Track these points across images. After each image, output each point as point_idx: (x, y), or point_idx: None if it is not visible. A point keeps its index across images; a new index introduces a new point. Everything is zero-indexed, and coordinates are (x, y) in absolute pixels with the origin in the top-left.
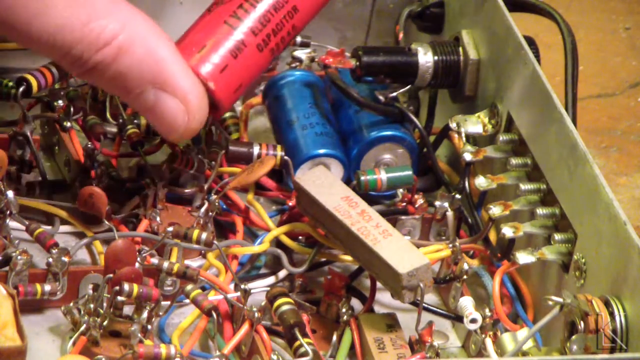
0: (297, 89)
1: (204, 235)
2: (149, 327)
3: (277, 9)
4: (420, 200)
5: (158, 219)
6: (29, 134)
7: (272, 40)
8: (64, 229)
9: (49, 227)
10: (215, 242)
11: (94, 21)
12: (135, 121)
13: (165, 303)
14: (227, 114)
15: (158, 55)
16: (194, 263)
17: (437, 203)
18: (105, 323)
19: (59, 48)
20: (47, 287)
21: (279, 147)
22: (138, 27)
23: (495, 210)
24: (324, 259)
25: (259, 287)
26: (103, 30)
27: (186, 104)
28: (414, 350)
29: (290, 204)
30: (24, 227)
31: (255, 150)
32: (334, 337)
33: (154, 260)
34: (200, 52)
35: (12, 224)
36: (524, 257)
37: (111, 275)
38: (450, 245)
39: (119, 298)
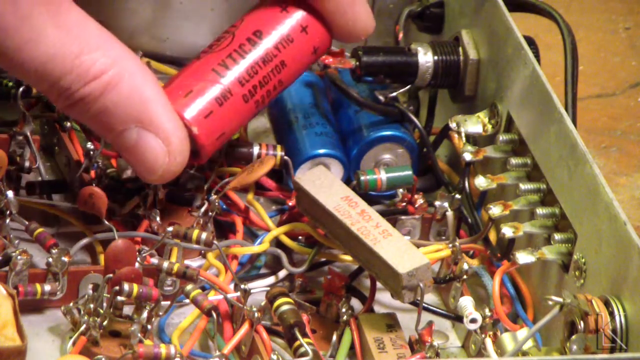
0: (297, 89)
1: (204, 235)
2: (149, 327)
3: (266, 62)
4: (420, 200)
5: (158, 219)
6: (29, 134)
7: (258, 92)
8: (64, 229)
9: (49, 227)
10: (215, 242)
11: (86, 54)
12: None
13: (165, 303)
14: None
15: (144, 94)
16: (194, 263)
17: (437, 203)
18: (105, 323)
19: (47, 78)
20: (47, 287)
21: (279, 147)
22: (127, 64)
23: (495, 210)
24: (324, 259)
25: (259, 287)
26: (93, 63)
27: (168, 145)
28: (414, 350)
29: (290, 204)
30: (24, 227)
31: (255, 150)
32: (334, 337)
33: (154, 260)
34: (186, 97)
35: (12, 224)
36: (524, 257)
37: (111, 275)
38: (450, 245)
39: (119, 298)
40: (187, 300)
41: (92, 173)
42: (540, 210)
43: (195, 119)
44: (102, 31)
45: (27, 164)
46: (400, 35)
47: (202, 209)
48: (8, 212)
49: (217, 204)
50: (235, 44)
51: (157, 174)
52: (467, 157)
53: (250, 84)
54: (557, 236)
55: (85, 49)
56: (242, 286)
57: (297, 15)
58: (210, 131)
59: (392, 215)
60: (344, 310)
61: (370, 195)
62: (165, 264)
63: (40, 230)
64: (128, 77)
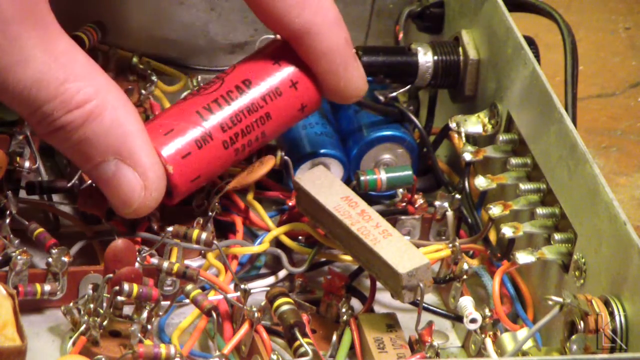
0: None
1: (204, 235)
2: (149, 327)
3: (251, 112)
4: (420, 200)
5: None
6: (29, 134)
7: (239, 141)
8: (64, 229)
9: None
10: (215, 242)
11: (71, 82)
12: None
13: (165, 303)
14: None
15: (125, 127)
16: (194, 263)
17: (437, 203)
18: (105, 323)
19: (32, 102)
20: (47, 287)
21: (278, 147)
22: (111, 96)
23: (495, 210)
24: (324, 259)
25: (259, 287)
26: (77, 92)
27: (145, 180)
28: (414, 350)
29: (290, 204)
30: (24, 227)
31: None
32: (334, 337)
33: (154, 260)
34: (166, 135)
35: (12, 224)
36: (524, 257)
37: (111, 275)
38: (450, 245)
39: (119, 298)
40: (187, 300)
41: None
42: (540, 210)
43: (171, 158)
44: (89, 61)
45: (27, 164)
46: (400, 35)
47: (202, 209)
48: (8, 212)
49: (217, 204)
50: (223, 90)
51: (132, 207)
52: (467, 157)
53: (232, 131)
54: (557, 236)
55: (71, 76)
56: (242, 286)
57: (289, 70)
58: (185, 172)
59: (392, 215)
60: (344, 310)
61: (370, 195)
62: (165, 264)
63: (40, 230)
64: (111, 108)
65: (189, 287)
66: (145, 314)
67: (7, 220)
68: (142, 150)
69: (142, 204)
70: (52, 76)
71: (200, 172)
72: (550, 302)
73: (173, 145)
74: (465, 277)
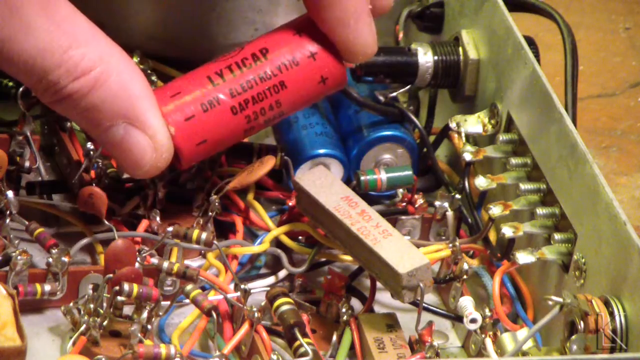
0: None
1: (204, 235)
2: (149, 327)
3: (263, 80)
4: (420, 200)
5: (158, 219)
6: (29, 134)
7: (250, 108)
8: (64, 229)
9: (49, 227)
10: (215, 242)
11: (74, 49)
12: None
13: (165, 303)
14: None
15: (132, 90)
16: (194, 263)
17: (437, 203)
18: (105, 323)
19: (37, 71)
20: (47, 287)
21: (278, 147)
22: (116, 60)
23: (495, 210)
24: (324, 259)
25: (259, 287)
26: (82, 58)
27: (155, 142)
28: (414, 350)
29: (290, 204)
30: (24, 227)
31: (256, 150)
32: (334, 337)
33: (154, 260)
34: (172, 97)
35: (12, 224)
36: (524, 257)
37: (111, 275)
38: (450, 245)
39: (119, 298)
40: (187, 300)
41: (92, 173)
42: (540, 210)
43: (174, 120)
44: (91, 26)
45: (27, 164)
46: (400, 35)
47: (202, 209)
48: (8, 212)
49: (217, 204)
50: (238, 57)
51: (143, 169)
52: (467, 157)
53: (241, 97)
54: (557, 236)
55: (74, 43)
56: (242, 286)
57: (307, 40)
58: (189, 135)
59: (392, 215)
60: (344, 310)
61: (370, 195)
62: (165, 264)
63: (40, 230)
64: (116, 73)
65: (189, 287)
66: (145, 314)
67: (7, 220)
68: (149, 112)
69: (153, 165)
70: (56, 44)
71: (206, 136)
72: (550, 302)
73: (177, 106)
74: (465, 277)
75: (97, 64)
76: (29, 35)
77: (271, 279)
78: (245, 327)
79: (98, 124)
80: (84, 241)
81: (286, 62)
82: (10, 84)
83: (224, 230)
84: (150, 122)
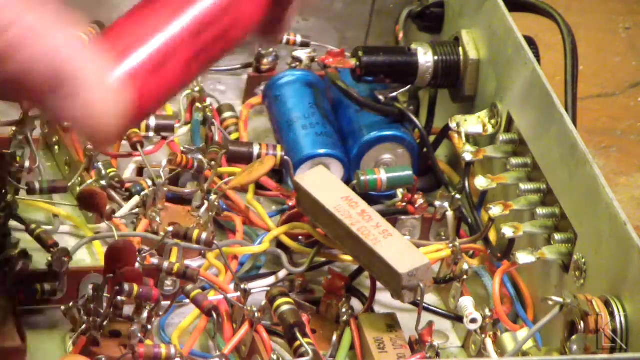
0: (297, 89)
1: (204, 235)
2: (149, 327)
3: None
4: (420, 200)
5: (158, 219)
6: (29, 134)
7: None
8: (64, 229)
9: (49, 227)
10: (215, 242)
11: None
12: None
13: (165, 303)
14: (227, 114)
15: (58, 49)
16: (194, 263)
17: (437, 203)
18: (105, 323)
19: None
20: (47, 287)
21: (279, 147)
22: (32, 17)
23: (495, 210)
24: (324, 259)
25: (259, 287)
26: None
27: (98, 96)
28: (414, 350)
29: (290, 204)
30: (24, 227)
31: (255, 150)
32: (334, 337)
33: (154, 260)
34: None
35: (12, 224)
36: (524, 257)
37: (111, 275)
38: (450, 245)
39: (119, 298)
40: (187, 300)
41: (92, 173)
42: (540, 211)
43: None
44: None
45: (27, 164)
46: (400, 35)
47: (202, 209)
48: (9, 212)
49: (217, 204)
50: None
51: (99, 127)
52: (467, 157)
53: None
54: (557, 236)
55: None
56: (242, 286)
57: None
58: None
59: (392, 215)
60: (344, 310)
61: (370, 195)
62: (165, 264)
63: (40, 230)
64: (37, 33)
65: (189, 287)
66: (145, 314)
67: (8, 220)
68: (80, 66)
69: (107, 122)
70: None
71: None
72: (550, 302)
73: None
74: (465, 277)
75: (13, 24)
76: None
77: (271, 279)
78: (246, 327)
79: (31, 90)
80: (84, 241)
81: None
82: None
83: (224, 230)
84: (86, 77)
